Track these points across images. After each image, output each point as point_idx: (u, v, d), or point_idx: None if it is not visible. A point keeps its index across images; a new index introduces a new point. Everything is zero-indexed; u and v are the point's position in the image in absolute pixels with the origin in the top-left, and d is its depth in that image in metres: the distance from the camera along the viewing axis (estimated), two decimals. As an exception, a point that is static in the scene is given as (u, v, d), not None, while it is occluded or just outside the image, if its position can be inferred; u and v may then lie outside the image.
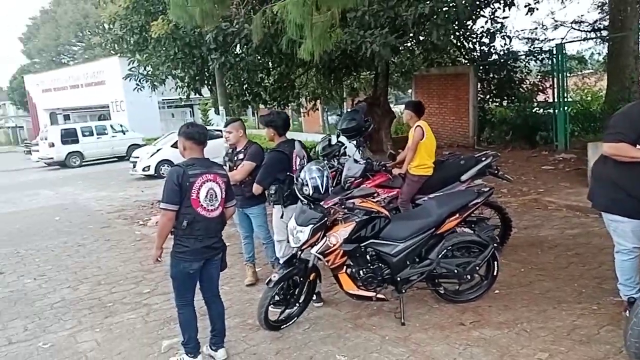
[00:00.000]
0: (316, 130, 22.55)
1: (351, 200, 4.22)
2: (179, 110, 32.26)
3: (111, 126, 23.29)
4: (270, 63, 11.37)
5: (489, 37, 13.69)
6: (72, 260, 6.94)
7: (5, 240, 8.46)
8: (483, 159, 5.61)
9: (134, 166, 15.79)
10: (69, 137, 21.45)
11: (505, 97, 14.06)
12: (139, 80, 11.15)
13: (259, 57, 10.49)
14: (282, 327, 4.17)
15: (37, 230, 9.15)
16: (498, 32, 13.68)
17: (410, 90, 18.89)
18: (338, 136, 7.05)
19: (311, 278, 4.23)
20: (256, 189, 4.72)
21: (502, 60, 13.98)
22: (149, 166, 15.38)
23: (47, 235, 8.67)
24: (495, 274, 4.40)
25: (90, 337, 4.42)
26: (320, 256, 4.09)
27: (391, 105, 13.21)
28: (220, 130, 11.29)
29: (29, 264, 6.91)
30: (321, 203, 4.17)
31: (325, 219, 4.07)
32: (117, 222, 9.31)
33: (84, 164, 21.43)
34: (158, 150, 15.92)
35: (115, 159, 21.93)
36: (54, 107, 35.78)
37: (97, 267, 6.50)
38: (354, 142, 6.37)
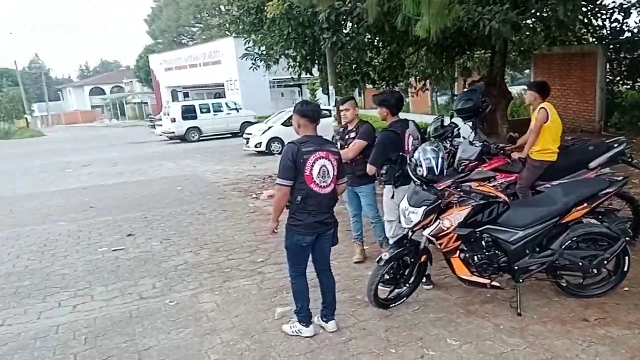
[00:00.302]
0: (424, 111, 22.04)
1: (467, 184, 4.09)
2: (288, 90, 33.13)
3: (226, 104, 24.51)
4: (380, 42, 11.26)
5: (622, 12, 12.39)
6: (193, 227, 7.49)
7: (135, 206, 9.32)
8: (615, 145, 5.15)
9: (247, 142, 16.56)
10: (188, 113, 22.90)
11: (639, 79, 12.72)
12: (254, 60, 11.58)
13: (369, 36, 10.41)
14: (391, 305, 4.19)
15: (161, 198, 9.97)
16: (634, 7, 12.33)
17: (527, 71, 17.75)
18: (452, 117, 6.84)
19: (422, 260, 4.20)
20: (370, 169, 4.72)
21: (636, 39, 12.60)
22: (261, 143, 16.06)
23: (170, 203, 9.42)
24: (625, 269, 4.05)
25: (211, 298, 4.76)
26: (433, 238, 4.03)
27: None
28: (329, 110, 11.46)
29: (156, 228, 7.55)
30: (435, 185, 4.09)
31: (439, 201, 3.99)
32: (232, 194, 9.87)
33: (201, 138, 22.82)
34: (269, 128, 16.56)
35: (229, 135, 23.09)
36: (174, 85, 38.42)
37: (215, 235, 6.95)
38: (470, 123, 6.14)
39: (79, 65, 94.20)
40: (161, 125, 24.30)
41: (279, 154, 15.77)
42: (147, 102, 47.66)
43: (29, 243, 7.19)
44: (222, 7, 12.04)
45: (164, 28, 52.59)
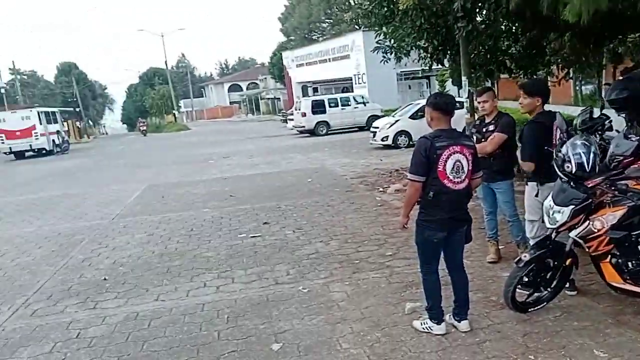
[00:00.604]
0: (566, 102, 20.27)
1: (623, 182, 3.71)
2: (416, 82, 32.59)
3: (353, 98, 24.85)
4: (519, 28, 10.57)
5: None
6: (323, 218, 7.72)
7: (269, 196, 9.84)
8: None
9: (374, 136, 16.64)
10: (318, 107, 23.62)
11: None
12: (385, 53, 11.54)
13: (506, 23, 9.85)
14: (529, 310, 3.95)
15: (294, 189, 10.41)
16: None
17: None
18: (602, 108, 6.22)
19: (566, 263, 3.89)
20: (528, 167, 4.38)
21: None
22: (388, 136, 16.03)
23: (302, 194, 9.80)
24: None
25: (341, 288, 4.87)
26: (580, 241, 3.72)
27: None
28: (461, 102, 11.06)
29: (288, 218, 7.91)
30: (584, 182, 3.76)
31: (590, 200, 3.66)
32: (359, 187, 9.99)
33: (329, 132, 23.38)
34: (396, 122, 16.45)
35: (356, 129, 23.36)
36: (305, 81, 39.80)
37: (344, 227, 7.09)
38: (624, 115, 5.53)
39: (220, 63, 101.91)
40: (292, 119, 25.39)
41: (406, 147, 15.64)
42: (279, 98, 50.02)
43: (178, 227, 7.95)
44: (352, 1, 12.16)
45: (296, 25, 54.67)
